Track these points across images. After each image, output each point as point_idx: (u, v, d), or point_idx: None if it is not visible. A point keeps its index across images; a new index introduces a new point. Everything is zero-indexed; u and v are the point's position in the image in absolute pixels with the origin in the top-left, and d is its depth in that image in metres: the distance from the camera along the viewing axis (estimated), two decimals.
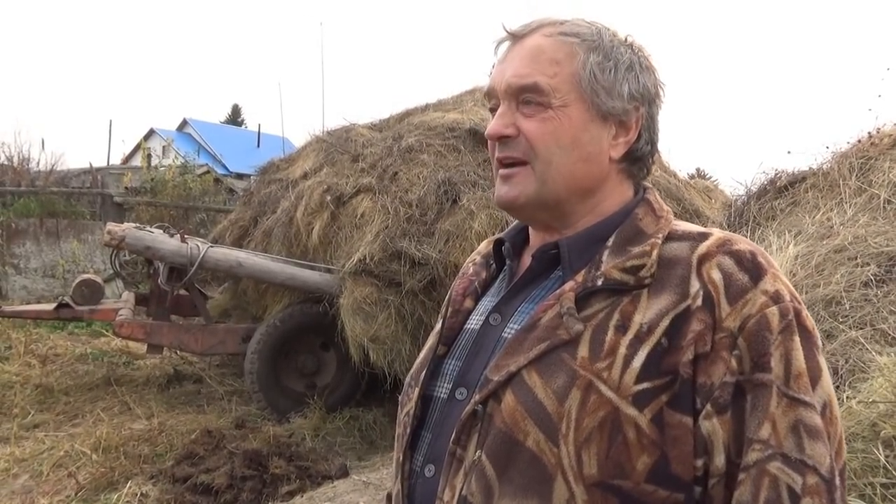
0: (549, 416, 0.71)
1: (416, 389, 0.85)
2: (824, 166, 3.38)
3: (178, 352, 5.36)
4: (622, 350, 0.71)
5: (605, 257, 0.77)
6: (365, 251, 4.32)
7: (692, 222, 0.81)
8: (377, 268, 4.26)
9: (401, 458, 0.84)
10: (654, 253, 0.75)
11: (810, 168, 3.45)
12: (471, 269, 0.94)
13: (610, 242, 0.78)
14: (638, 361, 0.70)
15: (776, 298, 0.70)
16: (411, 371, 0.90)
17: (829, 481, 0.66)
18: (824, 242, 2.73)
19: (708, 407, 0.68)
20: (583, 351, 0.72)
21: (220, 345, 4.81)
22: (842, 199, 3.05)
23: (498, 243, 0.91)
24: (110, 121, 27.26)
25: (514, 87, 0.79)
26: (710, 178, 8.91)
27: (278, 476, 3.41)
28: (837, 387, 2.02)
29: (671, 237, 0.78)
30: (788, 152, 6.05)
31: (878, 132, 3.39)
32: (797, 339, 0.69)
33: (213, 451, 3.63)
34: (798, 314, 0.71)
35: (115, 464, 3.65)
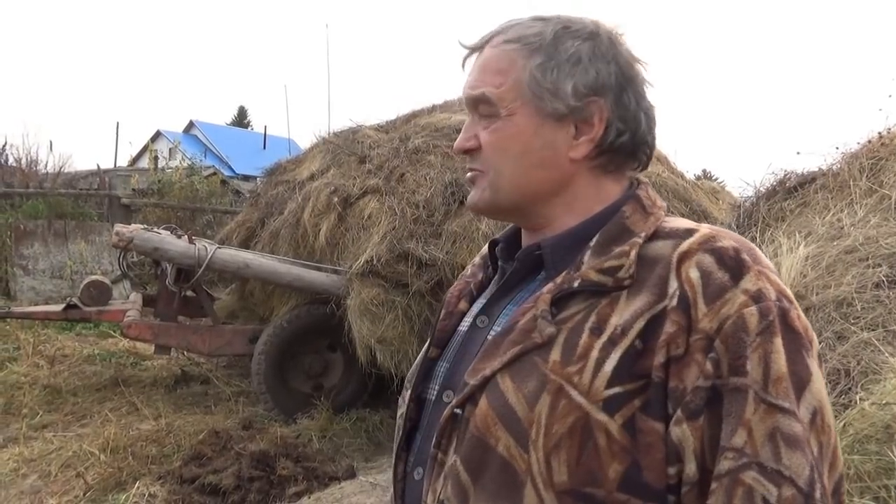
0: (520, 421, 0.69)
1: (409, 391, 0.85)
2: (834, 167, 3.35)
3: (185, 353, 5.37)
4: (594, 353, 0.68)
5: (586, 258, 0.74)
6: (372, 252, 4.31)
7: (700, 223, 0.79)
8: (384, 269, 4.26)
9: (395, 460, 0.85)
10: (633, 253, 0.72)
11: (820, 169, 3.43)
12: (469, 271, 0.93)
13: (593, 242, 0.75)
14: (610, 365, 0.67)
15: (757, 298, 0.66)
16: (409, 373, 0.90)
17: (807, 494, 0.62)
18: (835, 244, 2.71)
19: (678, 412, 0.65)
20: (555, 355, 0.70)
21: (228, 346, 4.81)
22: (852, 199, 3.03)
23: (493, 244, 0.89)
24: (117, 123, 27.18)
25: (470, 98, 0.81)
26: (717, 179, 8.90)
27: (285, 477, 3.41)
28: (849, 388, 2.01)
29: (658, 235, 0.74)
30: (797, 153, 6.05)
31: (888, 132, 3.36)
32: (779, 340, 0.65)
33: (220, 451, 3.63)
34: (784, 314, 0.66)
35: (123, 464, 3.66)
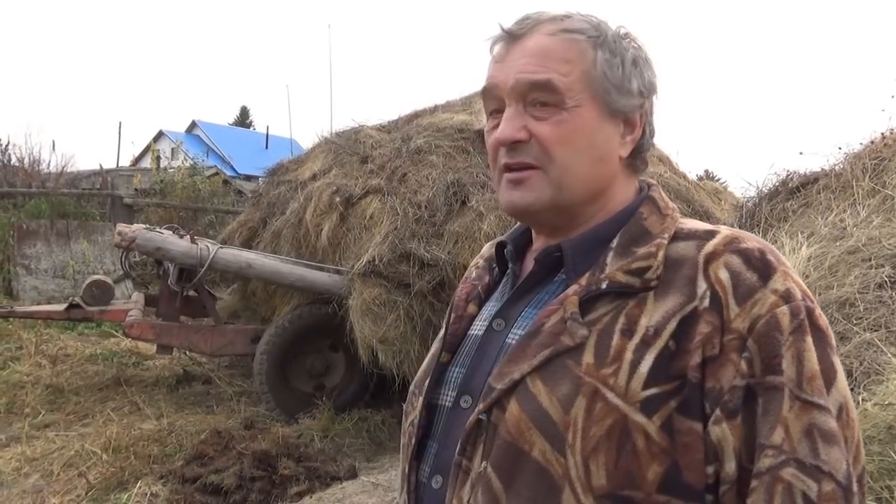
0: (555, 425, 0.68)
1: (421, 398, 0.82)
2: (837, 167, 3.35)
3: (187, 352, 5.38)
4: (628, 355, 0.68)
5: (609, 259, 0.74)
6: (374, 252, 4.32)
7: (717, 225, 0.78)
8: (386, 269, 4.26)
9: (406, 470, 0.81)
10: (660, 254, 0.72)
11: (822, 169, 3.43)
12: (474, 273, 0.92)
13: (614, 244, 0.75)
14: (645, 366, 0.67)
15: (787, 297, 0.67)
16: (415, 379, 0.87)
17: (846, 488, 0.63)
18: (838, 244, 2.71)
19: (717, 412, 0.66)
20: (588, 357, 0.69)
21: (230, 346, 4.81)
22: (855, 200, 3.03)
23: (500, 246, 0.88)
24: (120, 123, 27.47)
25: (524, 82, 0.75)
26: (719, 179, 8.89)
27: (287, 477, 3.41)
28: (852, 389, 2.00)
29: (677, 236, 0.75)
30: (800, 153, 6.05)
31: (891, 133, 3.36)
32: (809, 339, 0.66)
33: (222, 451, 3.63)
34: (810, 313, 0.68)
35: (125, 464, 3.66)
